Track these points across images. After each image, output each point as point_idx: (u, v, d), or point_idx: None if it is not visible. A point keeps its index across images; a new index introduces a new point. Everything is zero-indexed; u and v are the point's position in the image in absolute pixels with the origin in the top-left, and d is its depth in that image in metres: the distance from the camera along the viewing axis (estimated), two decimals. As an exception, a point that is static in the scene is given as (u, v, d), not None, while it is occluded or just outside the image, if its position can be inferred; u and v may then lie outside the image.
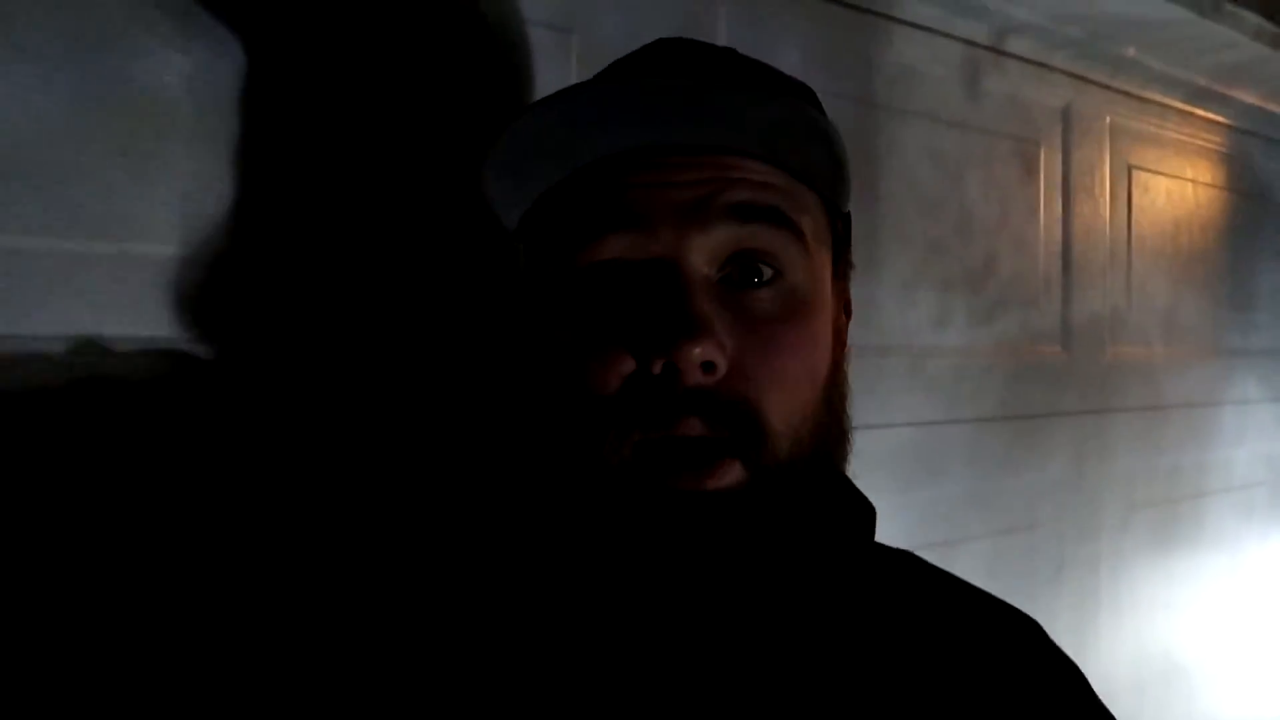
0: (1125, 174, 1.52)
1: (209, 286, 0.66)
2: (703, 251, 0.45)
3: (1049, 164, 1.38)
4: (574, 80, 0.84)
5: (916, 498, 1.20)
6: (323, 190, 0.70)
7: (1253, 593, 1.78)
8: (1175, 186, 1.61)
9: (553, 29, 0.84)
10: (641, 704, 0.43)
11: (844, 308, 0.56)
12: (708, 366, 0.44)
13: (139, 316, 0.64)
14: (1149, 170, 1.56)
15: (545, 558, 0.48)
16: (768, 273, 0.47)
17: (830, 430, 0.50)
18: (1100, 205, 1.47)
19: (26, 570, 0.58)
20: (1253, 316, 1.78)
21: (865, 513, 0.54)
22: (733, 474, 0.44)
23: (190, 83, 0.65)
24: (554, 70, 0.83)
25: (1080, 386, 1.43)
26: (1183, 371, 1.62)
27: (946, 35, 1.23)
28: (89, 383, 0.61)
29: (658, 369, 0.44)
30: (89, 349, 0.62)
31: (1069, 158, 1.41)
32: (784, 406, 0.46)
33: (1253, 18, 1.34)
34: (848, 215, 0.56)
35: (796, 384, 0.47)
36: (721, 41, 0.98)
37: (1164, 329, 1.59)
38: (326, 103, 0.70)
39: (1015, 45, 1.31)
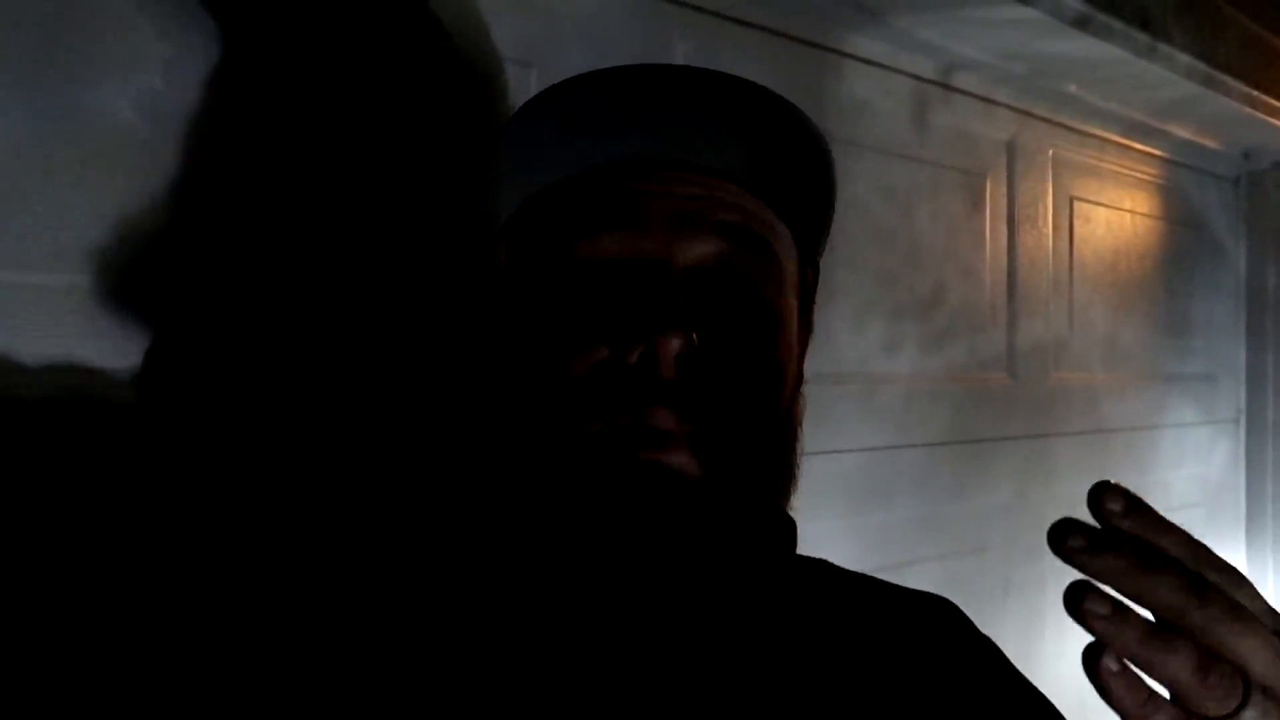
0: (1067, 205, 1.57)
1: (144, 310, 0.66)
2: (689, 256, 0.48)
3: (995, 195, 1.42)
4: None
5: (867, 522, 1.22)
6: (275, 217, 0.70)
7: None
8: (1115, 217, 1.67)
9: (513, 63, 0.85)
10: (599, 674, 0.45)
11: (799, 369, 0.57)
12: (682, 360, 0.45)
13: (93, 343, 0.63)
14: (1090, 201, 1.61)
15: (517, 532, 0.50)
16: (745, 293, 0.49)
17: (781, 458, 0.52)
18: (1044, 235, 1.51)
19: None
20: (1188, 342, 1.85)
21: (789, 525, 0.57)
22: (690, 464, 0.46)
23: (138, 108, 0.65)
24: (514, 104, 0.84)
25: (1025, 412, 1.47)
26: (1122, 396, 1.67)
27: (895, 70, 1.26)
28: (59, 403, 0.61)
29: (634, 358, 0.45)
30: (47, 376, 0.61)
31: (1014, 189, 1.45)
32: (745, 414, 0.48)
33: (1185, 58, 1.40)
34: (818, 268, 0.58)
35: (760, 395, 0.49)
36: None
37: (1105, 355, 1.64)
38: (280, 129, 0.70)
39: (961, 80, 1.35)
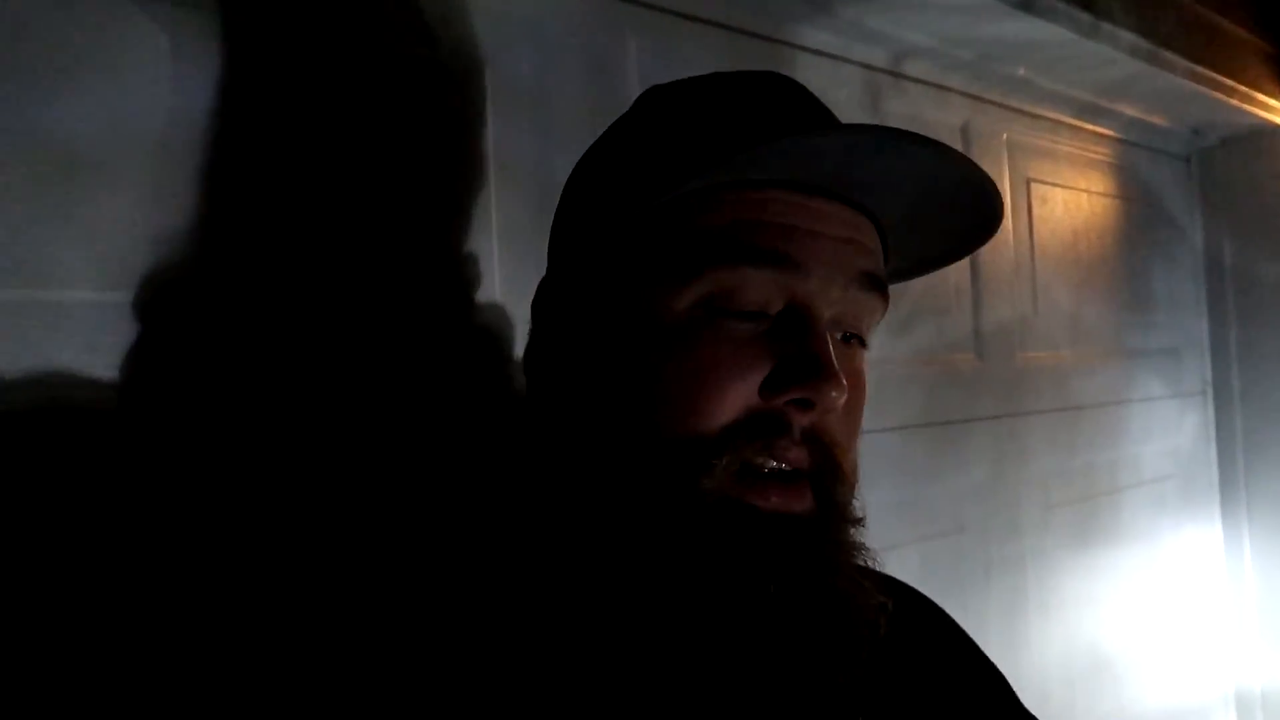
0: (1025, 187, 1.59)
1: (138, 331, 0.65)
2: (832, 305, 0.48)
3: (952, 180, 1.44)
4: (488, 114, 0.86)
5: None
6: (248, 231, 0.70)
7: (1169, 583, 1.85)
8: (1071, 197, 1.69)
9: (469, 62, 0.85)
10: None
11: None
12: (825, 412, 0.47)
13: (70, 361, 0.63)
14: (1046, 183, 1.64)
15: (633, 582, 0.47)
16: (856, 337, 0.51)
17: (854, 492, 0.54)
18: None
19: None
20: (1151, 317, 1.88)
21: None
22: (808, 501, 0.47)
23: (113, 126, 0.65)
24: (467, 103, 0.85)
25: (995, 392, 1.49)
26: (1090, 373, 1.69)
27: (847, 60, 1.28)
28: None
29: (782, 402, 0.46)
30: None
31: (970, 173, 1.47)
32: (852, 451, 0.51)
33: (1128, 36, 1.43)
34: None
35: (858, 433, 0.52)
36: (633, 73, 1.01)
37: (1070, 333, 1.67)
38: (248, 144, 0.71)
39: (913, 68, 1.37)
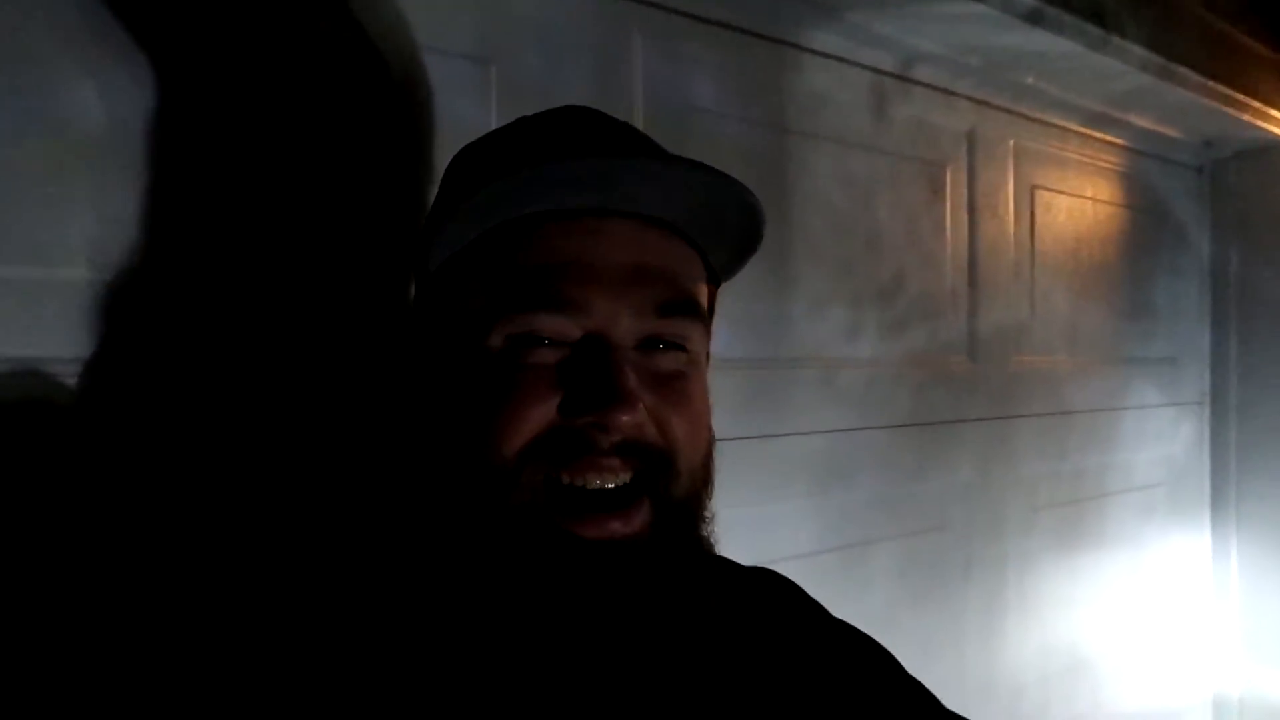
0: (1028, 193, 1.61)
1: (120, 308, 0.69)
2: (628, 334, 0.50)
3: (955, 185, 1.46)
4: (493, 111, 0.89)
5: (829, 502, 1.26)
6: (232, 214, 0.74)
7: (1153, 589, 1.88)
8: (1076, 205, 1.71)
9: (471, 60, 0.88)
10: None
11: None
12: (629, 428, 0.49)
13: (58, 340, 0.66)
14: (1051, 189, 1.65)
15: (441, 609, 0.51)
16: (674, 346, 0.53)
17: (708, 468, 0.55)
18: (1005, 223, 1.55)
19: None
20: (1151, 326, 1.89)
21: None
22: (642, 516, 0.50)
23: (106, 110, 0.68)
24: (473, 101, 0.88)
25: (987, 394, 1.52)
26: (1085, 379, 1.72)
27: (854, 63, 1.30)
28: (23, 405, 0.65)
29: (580, 424, 0.48)
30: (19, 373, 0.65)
31: (974, 179, 1.49)
32: (687, 448, 0.52)
33: (1139, 50, 1.44)
34: (719, 282, 0.61)
35: (695, 429, 0.53)
36: (638, 71, 1.04)
37: (1067, 339, 1.69)
38: (239, 127, 0.74)
39: (920, 73, 1.38)
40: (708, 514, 0.55)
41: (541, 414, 0.49)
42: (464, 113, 0.86)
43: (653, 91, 1.04)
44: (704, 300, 0.55)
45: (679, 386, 0.52)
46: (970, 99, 1.48)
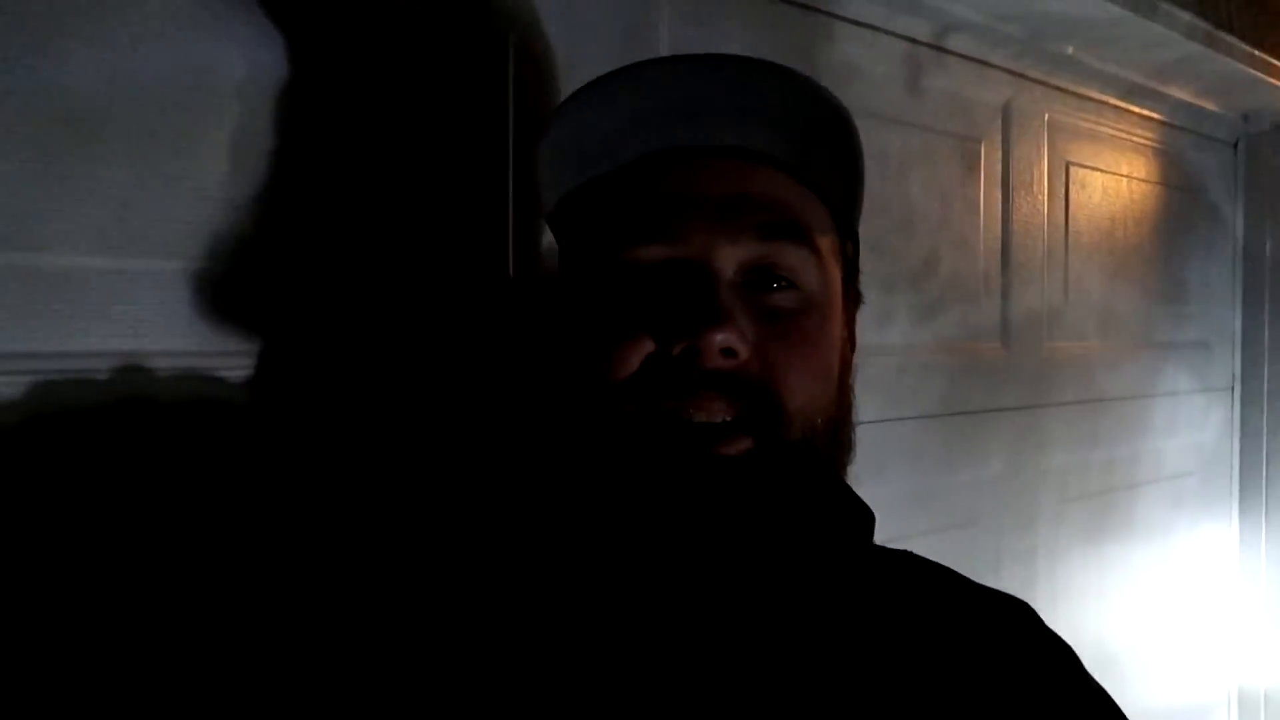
0: (1063, 170, 1.53)
1: (228, 299, 0.67)
2: (730, 260, 0.49)
3: (989, 161, 1.39)
4: (509, 83, 0.81)
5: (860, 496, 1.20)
6: (316, 194, 0.69)
7: (1181, 581, 1.82)
8: (1111, 182, 1.63)
9: (490, 29, 0.81)
10: (641, 688, 0.45)
11: (850, 337, 0.59)
12: (728, 352, 0.47)
13: (173, 332, 0.64)
14: (1086, 166, 1.58)
15: (553, 528, 0.51)
16: (784, 281, 0.51)
17: (839, 430, 0.54)
18: (1039, 202, 1.48)
19: (65, 579, 0.59)
20: (1183, 309, 1.82)
21: (865, 515, 0.58)
22: (743, 444, 0.47)
23: (225, 90, 0.65)
24: (491, 71, 0.81)
25: (1018, 382, 1.45)
26: (1117, 365, 1.65)
27: (888, 32, 1.22)
28: (130, 401, 0.62)
29: (678, 351, 0.47)
30: (130, 368, 0.62)
31: (1009, 154, 1.42)
32: (799, 392, 0.49)
33: (1186, 16, 1.36)
34: (858, 239, 0.60)
35: (811, 373, 0.50)
36: (663, 40, 0.96)
37: (1099, 323, 1.62)
38: (316, 107, 0.67)
39: (956, 43, 1.30)
40: (835, 448, 0.53)
41: (639, 346, 0.48)
42: (482, 83, 0.79)
43: (679, 61, 0.96)
44: (819, 235, 0.53)
45: (790, 324, 0.50)
46: (1006, 70, 1.40)
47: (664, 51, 0.95)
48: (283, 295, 0.69)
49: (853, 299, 0.59)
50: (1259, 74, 1.59)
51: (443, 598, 0.49)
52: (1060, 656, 0.56)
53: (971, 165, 1.36)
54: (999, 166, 1.40)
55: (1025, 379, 1.46)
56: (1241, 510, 1.97)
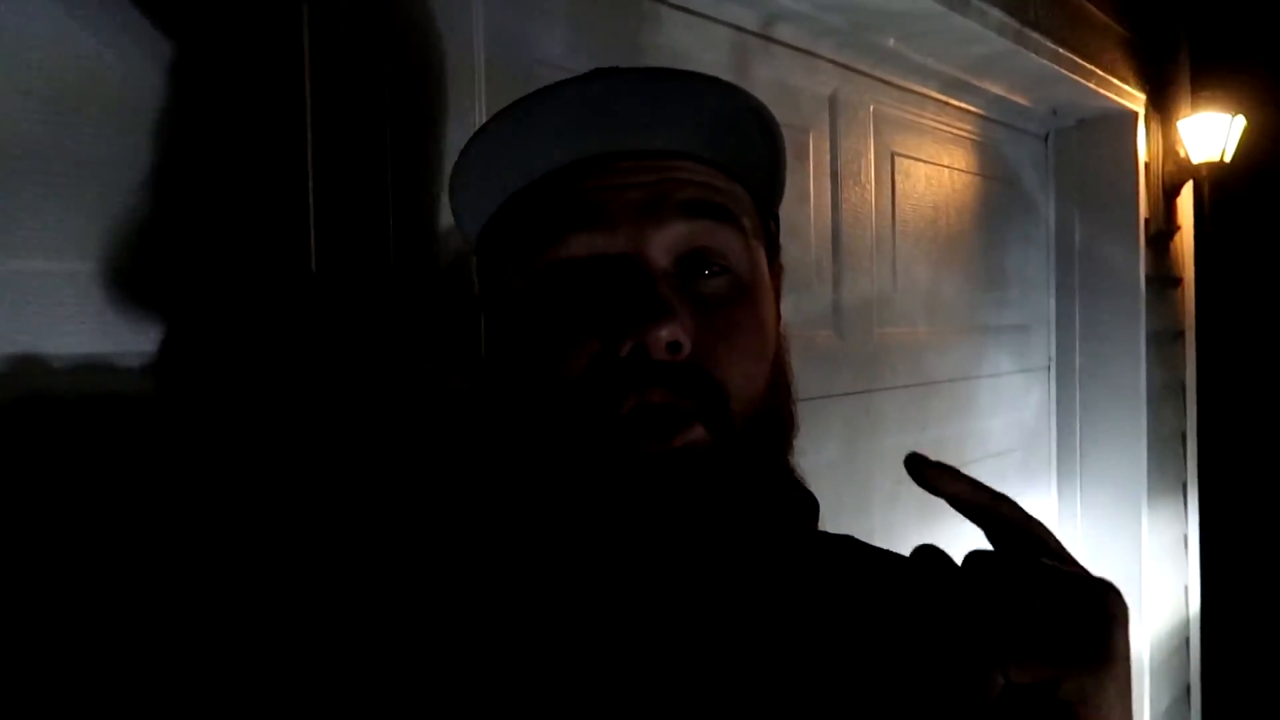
0: (889, 160, 1.57)
1: (134, 298, 0.65)
2: (660, 246, 0.50)
3: (818, 150, 1.41)
4: (305, 62, 0.75)
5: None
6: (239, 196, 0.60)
7: (1008, 551, 1.91)
8: (934, 173, 1.69)
9: (276, 3, 0.75)
10: (618, 669, 0.48)
11: (777, 307, 0.59)
12: (674, 347, 0.47)
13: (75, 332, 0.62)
14: (910, 157, 1.63)
15: (527, 537, 0.52)
16: (716, 266, 0.51)
17: (779, 410, 0.54)
18: (867, 191, 1.51)
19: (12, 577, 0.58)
20: (1003, 294, 1.91)
21: (811, 503, 0.60)
22: (696, 433, 0.48)
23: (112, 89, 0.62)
24: (284, 43, 0.74)
25: (852, 368, 1.48)
26: (944, 349, 1.71)
27: (716, 20, 1.21)
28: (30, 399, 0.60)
29: (625, 351, 0.47)
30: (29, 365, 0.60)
31: (836, 145, 1.44)
32: (741, 379, 0.50)
33: (996, 13, 1.42)
34: (778, 217, 0.60)
35: (751, 360, 0.51)
36: (479, 20, 0.92)
37: (926, 309, 1.67)
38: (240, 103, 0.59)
39: (782, 32, 1.31)
40: (784, 428, 0.54)
41: (586, 347, 0.48)
42: (268, 65, 0.73)
43: (495, 43, 0.92)
44: (742, 215, 0.53)
45: (725, 312, 0.50)
46: (832, 61, 1.42)
47: (479, 31, 0.90)
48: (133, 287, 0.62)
49: (777, 275, 0.60)
50: (1064, 71, 1.68)
51: (420, 598, 0.50)
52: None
53: (800, 155, 1.37)
54: (828, 156, 1.43)
55: (858, 364, 1.49)
56: (1059, 481, 2.09)
